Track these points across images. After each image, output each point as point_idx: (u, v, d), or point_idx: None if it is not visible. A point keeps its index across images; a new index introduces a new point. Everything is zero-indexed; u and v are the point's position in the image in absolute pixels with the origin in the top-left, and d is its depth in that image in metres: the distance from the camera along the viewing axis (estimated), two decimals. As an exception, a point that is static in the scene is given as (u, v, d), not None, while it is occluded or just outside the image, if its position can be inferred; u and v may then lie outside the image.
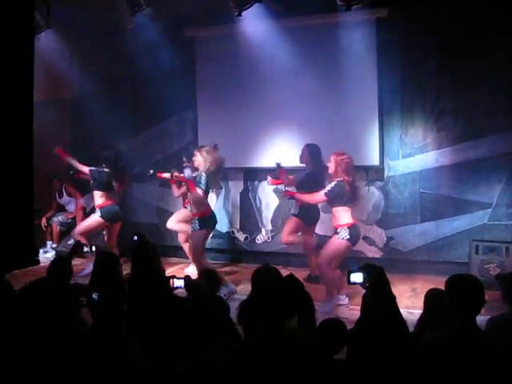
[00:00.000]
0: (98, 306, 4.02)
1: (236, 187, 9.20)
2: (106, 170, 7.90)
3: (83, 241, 7.41)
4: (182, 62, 8.89)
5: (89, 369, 2.88)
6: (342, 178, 6.28)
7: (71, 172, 8.48)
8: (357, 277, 3.24)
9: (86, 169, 7.95)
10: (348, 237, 6.21)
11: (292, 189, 7.47)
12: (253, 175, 9.00)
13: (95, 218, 7.92)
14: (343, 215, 6.29)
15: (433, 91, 7.93)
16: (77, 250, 5.23)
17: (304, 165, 7.58)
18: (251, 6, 7.08)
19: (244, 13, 7.16)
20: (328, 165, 6.47)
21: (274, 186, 8.37)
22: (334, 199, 6.30)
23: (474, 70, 7.55)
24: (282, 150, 8.50)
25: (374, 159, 8.23)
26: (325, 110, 8.35)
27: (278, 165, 7.69)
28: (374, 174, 8.32)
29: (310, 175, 7.34)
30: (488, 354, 2.98)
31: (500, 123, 7.54)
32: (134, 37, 8.61)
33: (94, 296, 4.10)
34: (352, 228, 6.27)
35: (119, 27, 8.15)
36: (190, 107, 9.29)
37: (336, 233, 6.28)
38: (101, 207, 7.89)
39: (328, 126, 8.33)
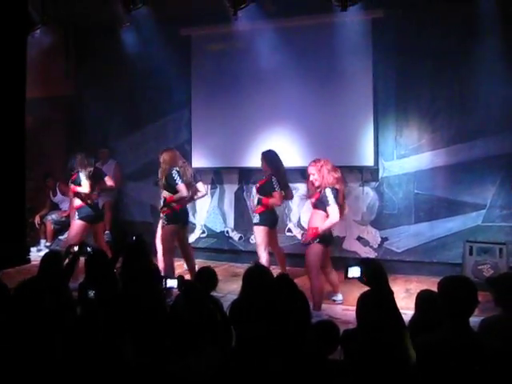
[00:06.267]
0: (91, 303, 4.01)
1: (231, 187, 9.19)
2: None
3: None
4: (178, 61, 8.89)
5: (83, 367, 2.88)
6: (331, 184, 6.18)
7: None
8: (354, 271, 3.22)
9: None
10: (318, 240, 6.11)
11: None
12: (247, 175, 8.99)
13: (75, 222, 7.60)
14: (320, 219, 6.17)
15: (428, 92, 7.95)
16: (82, 250, 5.21)
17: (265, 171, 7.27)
18: (247, 5, 7.09)
19: (240, 12, 7.16)
20: (312, 179, 6.30)
21: None
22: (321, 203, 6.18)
23: (468, 72, 7.55)
24: (276, 150, 8.47)
25: (368, 160, 8.23)
26: (319, 110, 8.36)
27: None
28: (369, 174, 8.33)
29: (272, 178, 7.11)
30: (480, 356, 2.99)
31: (495, 125, 7.55)
32: (129, 35, 8.64)
33: (90, 293, 4.10)
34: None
35: (115, 25, 8.16)
36: (185, 106, 9.28)
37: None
38: (78, 208, 7.58)
39: (323, 126, 8.35)
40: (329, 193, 6.12)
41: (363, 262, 3.21)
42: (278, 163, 7.25)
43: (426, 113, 8.02)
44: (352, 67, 8.13)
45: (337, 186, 6.23)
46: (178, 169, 7.10)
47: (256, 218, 7.21)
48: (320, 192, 6.25)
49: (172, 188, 7.01)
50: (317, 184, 6.27)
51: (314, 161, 6.41)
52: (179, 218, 7.17)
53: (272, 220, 7.27)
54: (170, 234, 7.11)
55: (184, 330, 3.11)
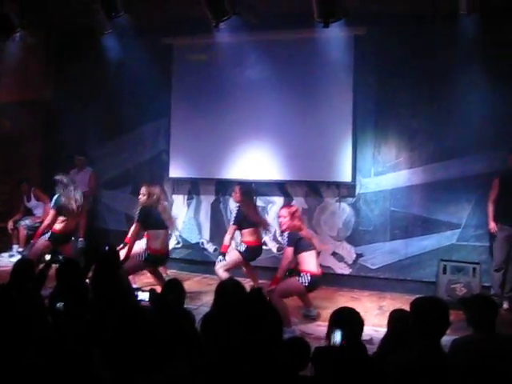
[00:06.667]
0: (60, 313, 3.95)
1: (207, 198, 9.13)
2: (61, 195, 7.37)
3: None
4: (158, 69, 8.85)
5: (51, 378, 2.83)
6: (298, 230, 6.33)
7: None
8: (337, 336, 3.24)
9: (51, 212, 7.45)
10: (307, 284, 6.18)
11: None
12: (224, 187, 8.94)
13: (44, 239, 7.38)
14: (309, 261, 6.26)
15: (407, 110, 7.99)
16: (54, 258, 5.19)
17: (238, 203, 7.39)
18: (229, 18, 7.09)
19: (222, 24, 7.16)
20: (281, 220, 6.45)
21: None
22: (296, 247, 6.28)
23: (448, 91, 7.62)
24: (254, 163, 8.50)
25: (346, 176, 8.23)
26: (299, 124, 8.36)
27: None
28: (346, 190, 8.32)
29: (242, 212, 7.27)
30: (450, 376, 2.98)
31: (472, 145, 7.60)
32: (110, 42, 8.59)
33: (59, 305, 4.04)
34: (314, 277, 6.21)
35: (96, 32, 8.11)
36: (164, 115, 9.21)
37: (299, 275, 6.21)
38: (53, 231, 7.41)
39: (301, 140, 8.34)
40: (285, 236, 6.34)
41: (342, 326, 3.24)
42: (251, 199, 7.43)
43: (404, 131, 8.06)
44: (332, 83, 8.16)
45: (302, 233, 6.36)
46: (152, 208, 7.00)
47: (241, 247, 7.30)
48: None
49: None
50: (284, 227, 6.41)
51: (288, 206, 6.80)
52: (151, 259, 6.98)
53: (253, 256, 7.41)
54: (133, 269, 6.83)
55: (154, 343, 3.06)
